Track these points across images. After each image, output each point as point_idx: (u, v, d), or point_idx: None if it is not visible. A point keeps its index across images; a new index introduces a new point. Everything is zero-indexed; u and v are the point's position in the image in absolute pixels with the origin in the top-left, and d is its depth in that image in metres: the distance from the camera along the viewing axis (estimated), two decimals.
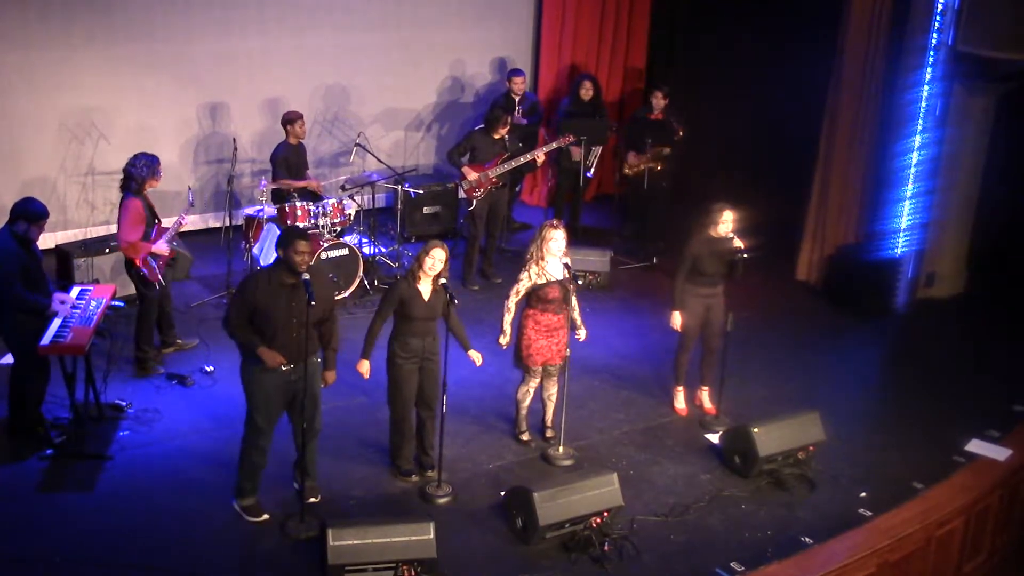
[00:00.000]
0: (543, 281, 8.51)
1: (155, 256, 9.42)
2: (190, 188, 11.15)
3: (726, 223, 9.13)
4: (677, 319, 9.34)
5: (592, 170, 12.86)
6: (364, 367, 8.19)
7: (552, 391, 8.95)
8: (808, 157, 12.46)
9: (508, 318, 8.65)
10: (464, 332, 8.31)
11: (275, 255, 7.47)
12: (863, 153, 12.09)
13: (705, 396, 9.74)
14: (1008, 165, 11.98)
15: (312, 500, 7.94)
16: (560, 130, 12.31)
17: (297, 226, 10.21)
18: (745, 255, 9.08)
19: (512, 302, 8.62)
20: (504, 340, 8.69)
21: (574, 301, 8.76)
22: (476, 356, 8.34)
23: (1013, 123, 11.84)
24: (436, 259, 7.99)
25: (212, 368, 9.64)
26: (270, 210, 11.04)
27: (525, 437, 9.02)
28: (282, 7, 12.45)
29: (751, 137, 14.19)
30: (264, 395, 7.54)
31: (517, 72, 12.75)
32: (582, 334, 8.83)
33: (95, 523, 7.66)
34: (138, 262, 9.31)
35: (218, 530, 7.73)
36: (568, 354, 8.74)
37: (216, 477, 8.16)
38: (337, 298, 10.85)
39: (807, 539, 8.04)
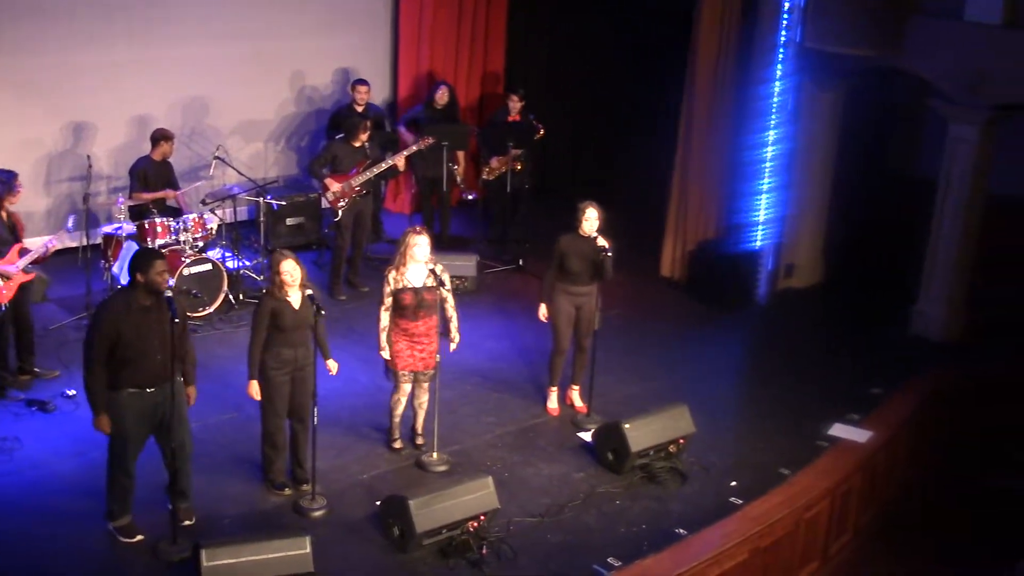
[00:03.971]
0: (399, 287, 8.49)
1: (1, 277, 9.12)
2: (72, 213, 10.83)
3: (590, 221, 9.17)
4: (543, 310, 9.40)
5: (461, 180, 12.90)
6: (254, 388, 8.02)
7: (423, 399, 8.91)
8: (667, 154, 12.62)
9: (383, 333, 8.60)
10: (326, 342, 8.23)
11: (129, 278, 7.31)
12: (719, 149, 12.30)
13: (576, 395, 9.79)
14: (857, 158, 12.34)
15: (187, 523, 7.77)
16: (417, 135, 12.27)
17: (150, 247, 10.03)
18: (609, 253, 9.15)
19: (382, 313, 8.57)
20: (384, 353, 8.63)
21: (451, 310, 8.74)
22: (332, 365, 8.23)
23: (859, 117, 12.20)
24: (288, 271, 7.90)
25: (74, 392, 9.37)
26: (129, 227, 10.78)
27: (397, 445, 8.97)
28: (130, 19, 12.11)
29: (611, 135, 14.37)
30: (126, 425, 7.40)
31: (362, 81, 12.63)
32: (452, 344, 8.81)
33: None
34: None
35: (88, 556, 7.51)
36: (438, 360, 8.70)
37: (84, 503, 7.92)
38: (202, 313, 10.73)
39: (681, 530, 8.15)
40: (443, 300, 8.66)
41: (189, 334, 7.74)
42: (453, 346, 8.82)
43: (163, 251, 10.14)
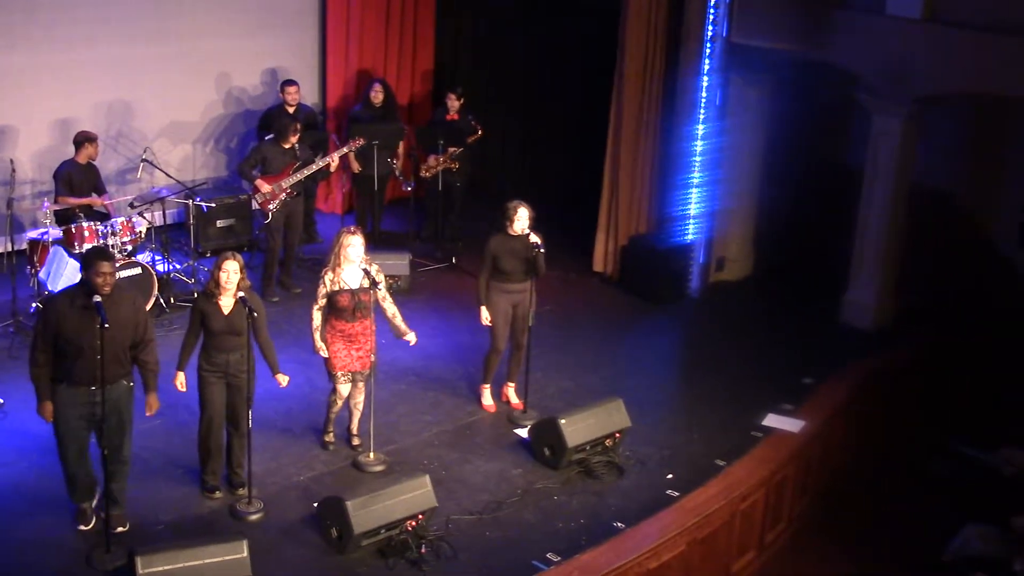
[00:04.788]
0: (336, 289, 8.45)
1: None
2: None
3: (520, 220, 9.19)
4: (484, 314, 9.40)
5: (400, 173, 12.87)
6: (179, 379, 8.03)
7: (359, 399, 8.88)
8: (598, 150, 12.66)
9: (316, 332, 8.55)
10: (273, 353, 8.17)
11: (80, 276, 7.34)
12: (649, 145, 12.36)
13: (511, 391, 9.81)
14: (786, 151, 12.46)
15: (120, 529, 7.69)
16: (351, 134, 12.22)
17: (100, 247, 9.89)
18: (542, 250, 9.17)
19: (315, 313, 8.53)
20: (323, 352, 8.58)
21: (391, 307, 8.71)
22: (282, 379, 8.19)
23: (787, 110, 12.33)
24: (231, 271, 7.85)
25: (2, 401, 9.20)
26: (55, 232, 10.61)
27: (329, 438, 8.94)
28: (52, 20, 11.88)
29: (541, 132, 14.39)
30: (64, 419, 7.39)
31: (291, 82, 12.54)
32: (411, 337, 8.78)
33: None
34: None
35: (17, 568, 7.39)
36: (374, 360, 8.68)
37: (20, 509, 7.85)
38: None
39: (619, 524, 8.20)
40: (381, 301, 8.62)
41: (151, 341, 7.67)
42: (413, 338, 8.81)
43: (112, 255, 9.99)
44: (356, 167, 12.69)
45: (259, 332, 8.00)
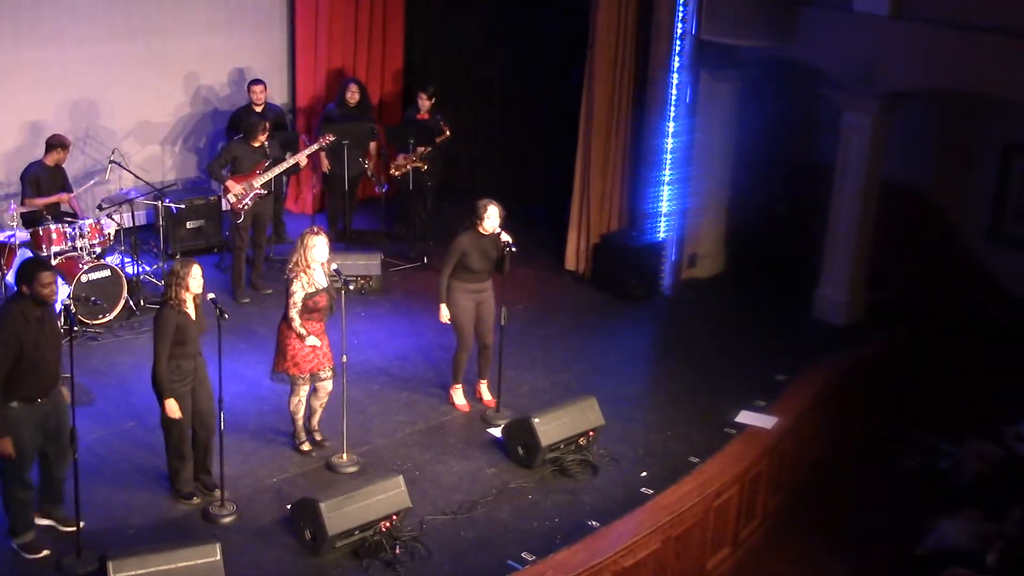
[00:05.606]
0: (312, 290, 8.43)
1: None
2: None
3: (491, 219, 9.19)
4: (444, 312, 9.40)
5: (372, 173, 12.86)
6: (172, 407, 7.83)
7: (324, 398, 8.86)
8: (569, 148, 12.66)
9: (295, 324, 8.48)
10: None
11: (15, 288, 7.26)
12: (621, 142, 12.36)
13: (484, 390, 9.81)
14: (756, 147, 12.49)
15: (69, 529, 7.59)
16: (322, 132, 12.18)
17: (35, 257, 9.84)
18: (512, 249, 9.17)
19: (294, 314, 8.46)
20: (312, 340, 8.50)
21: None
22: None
23: (758, 106, 12.37)
24: (195, 277, 7.80)
25: None
26: (23, 235, 10.51)
27: (305, 447, 8.91)
28: (16, 19, 11.76)
29: (512, 130, 14.37)
30: (25, 434, 7.31)
31: (257, 81, 12.46)
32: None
33: None
34: None
35: None
36: (345, 360, 8.65)
37: None
38: (102, 320, 10.55)
39: (594, 522, 8.21)
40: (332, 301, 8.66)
41: None
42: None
43: (50, 261, 9.95)
44: (326, 165, 12.65)
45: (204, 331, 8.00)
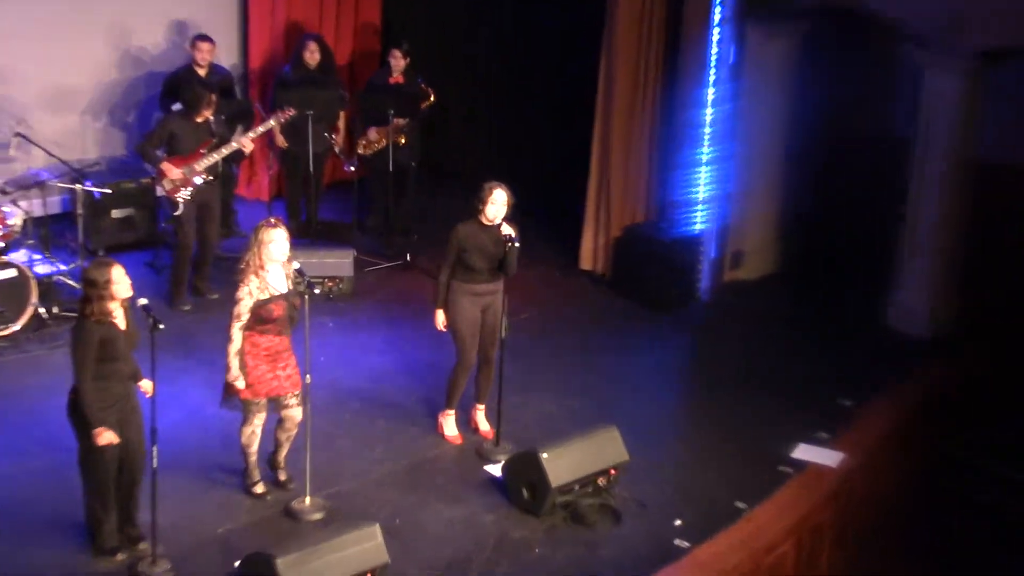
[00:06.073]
0: (265, 296, 8.32)
1: None
2: None
3: (496, 206, 9.12)
4: (440, 318, 9.38)
5: (340, 150, 12.89)
6: (106, 436, 7.69)
7: (291, 428, 8.77)
8: (584, 121, 12.65)
9: (233, 349, 8.40)
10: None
11: None
12: (648, 114, 12.37)
13: (481, 418, 9.77)
14: (816, 119, 12.45)
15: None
16: (278, 103, 12.13)
17: None
18: (516, 244, 9.11)
19: (236, 330, 8.38)
20: (240, 382, 8.44)
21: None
22: (147, 385, 7.98)
23: (818, 69, 12.32)
24: (120, 281, 7.69)
25: None
26: None
27: (259, 490, 8.82)
28: None
29: (514, 103, 14.39)
30: None
31: (203, 38, 12.43)
32: None
33: None
34: None
35: None
36: (308, 381, 8.58)
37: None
38: (5, 332, 10.56)
39: None
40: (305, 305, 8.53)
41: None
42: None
43: None
44: (282, 143, 12.64)
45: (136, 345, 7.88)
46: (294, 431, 8.79)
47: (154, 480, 7.84)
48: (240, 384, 8.43)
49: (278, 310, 8.39)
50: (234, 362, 8.38)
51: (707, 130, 12.10)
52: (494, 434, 9.64)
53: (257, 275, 8.35)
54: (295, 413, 8.71)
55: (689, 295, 12.37)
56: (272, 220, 8.52)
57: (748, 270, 12.82)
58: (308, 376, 8.57)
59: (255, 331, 8.41)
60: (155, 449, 7.74)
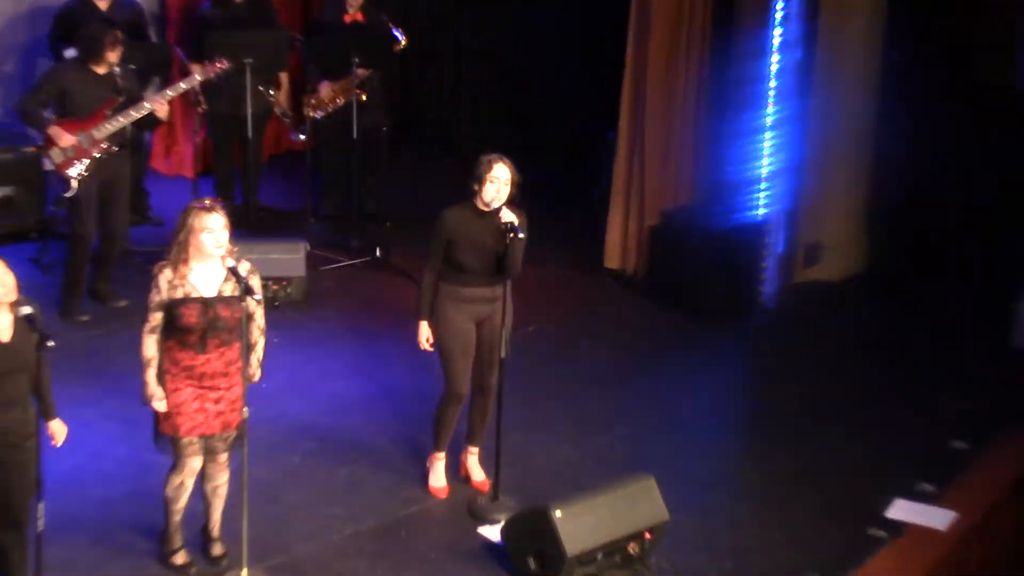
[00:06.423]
0: (179, 297, 8.29)
1: None
2: None
3: (496, 184, 9.06)
4: (424, 333, 9.33)
5: (284, 112, 13.04)
6: None
7: (219, 480, 8.71)
8: (612, 77, 12.66)
9: (151, 372, 8.35)
10: (49, 391, 7.97)
11: None
12: (692, 66, 12.43)
13: (474, 464, 9.76)
14: (914, 75, 12.44)
15: None
16: (204, 48, 12.13)
17: None
18: (520, 235, 9.06)
19: (146, 339, 8.36)
20: (159, 403, 8.39)
21: (257, 333, 8.59)
22: (58, 429, 7.96)
23: (916, 11, 12.33)
24: (4, 276, 7.68)
25: None
26: None
27: (179, 560, 8.77)
28: None
29: (519, 49, 14.38)
30: None
31: None
32: (253, 376, 8.62)
33: None
34: None
35: None
36: (246, 415, 8.53)
37: None
38: None
39: None
40: (249, 317, 8.50)
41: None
42: (254, 377, 8.64)
43: None
44: (201, 104, 12.64)
45: (43, 366, 7.84)
46: (224, 485, 8.72)
47: (39, 546, 7.80)
48: (159, 406, 8.36)
49: (190, 316, 8.29)
50: (147, 376, 8.33)
51: (772, 84, 12.15)
52: (492, 486, 9.61)
53: (175, 269, 8.29)
54: (220, 464, 8.64)
55: (748, 301, 12.47)
56: (207, 202, 8.42)
57: (827, 269, 12.91)
58: (246, 409, 8.52)
59: (174, 341, 8.35)
60: (41, 506, 7.71)
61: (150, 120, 11.72)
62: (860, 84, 12.60)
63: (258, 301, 8.45)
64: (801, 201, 12.52)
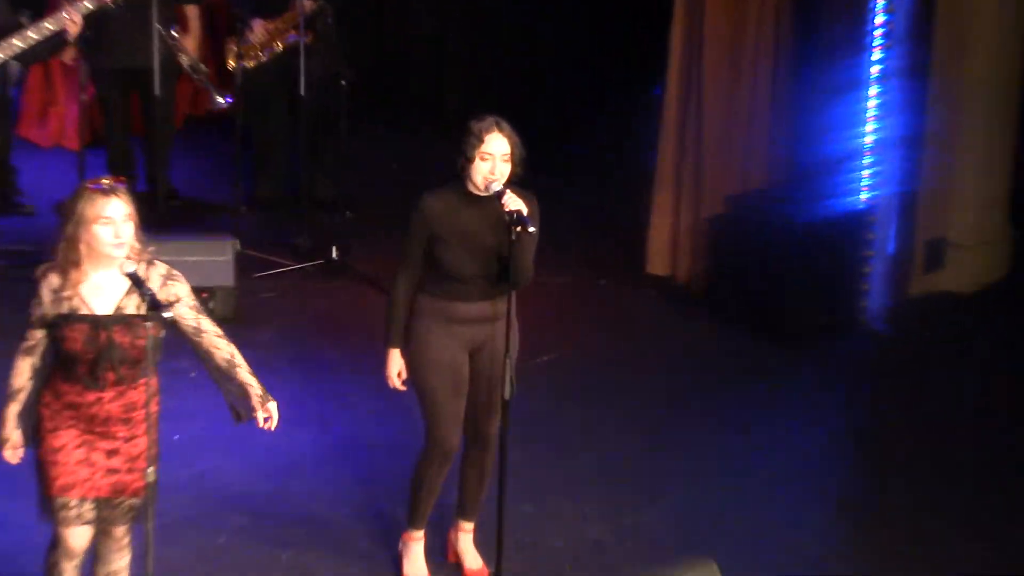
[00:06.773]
0: (64, 311, 8.05)
1: None
2: None
3: (491, 161, 8.81)
4: (394, 365, 9.12)
5: (196, 68, 12.99)
6: None
7: (114, 564, 8.55)
8: (651, 20, 12.63)
9: (12, 407, 8.21)
10: None
11: None
12: (769, 12, 12.48)
13: (466, 544, 9.59)
14: None
15: None
16: None
17: None
18: (530, 229, 8.75)
19: (19, 363, 8.14)
20: (11, 453, 8.25)
21: (224, 344, 8.45)
22: None
23: None
24: None
25: None
26: None
27: None
28: None
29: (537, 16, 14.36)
30: None
31: None
32: (269, 422, 8.51)
33: None
34: None
35: None
36: (153, 477, 8.20)
37: None
38: None
39: None
40: (192, 335, 8.33)
41: None
42: (273, 417, 8.52)
43: None
44: (70, 57, 12.76)
45: None
46: (122, 572, 8.58)
47: None
48: (9, 456, 8.24)
49: (74, 341, 8.09)
50: (10, 410, 8.20)
51: (878, 33, 12.13)
52: (488, 572, 9.44)
53: (64, 274, 8.05)
54: (117, 541, 8.48)
55: (846, 320, 12.41)
56: (105, 182, 8.24)
57: (956, 276, 12.91)
58: (152, 469, 8.24)
59: (59, 369, 8.19)
60: None
61: (40, 52, 11.84)
62: (1002, 24, 12.36)
63: (195, 307, 8.32)
64: (920, 184, 12.42)
